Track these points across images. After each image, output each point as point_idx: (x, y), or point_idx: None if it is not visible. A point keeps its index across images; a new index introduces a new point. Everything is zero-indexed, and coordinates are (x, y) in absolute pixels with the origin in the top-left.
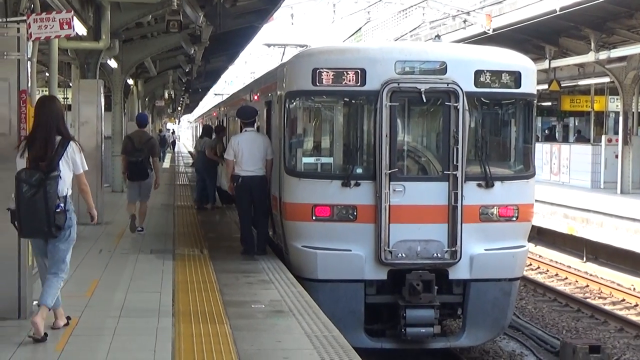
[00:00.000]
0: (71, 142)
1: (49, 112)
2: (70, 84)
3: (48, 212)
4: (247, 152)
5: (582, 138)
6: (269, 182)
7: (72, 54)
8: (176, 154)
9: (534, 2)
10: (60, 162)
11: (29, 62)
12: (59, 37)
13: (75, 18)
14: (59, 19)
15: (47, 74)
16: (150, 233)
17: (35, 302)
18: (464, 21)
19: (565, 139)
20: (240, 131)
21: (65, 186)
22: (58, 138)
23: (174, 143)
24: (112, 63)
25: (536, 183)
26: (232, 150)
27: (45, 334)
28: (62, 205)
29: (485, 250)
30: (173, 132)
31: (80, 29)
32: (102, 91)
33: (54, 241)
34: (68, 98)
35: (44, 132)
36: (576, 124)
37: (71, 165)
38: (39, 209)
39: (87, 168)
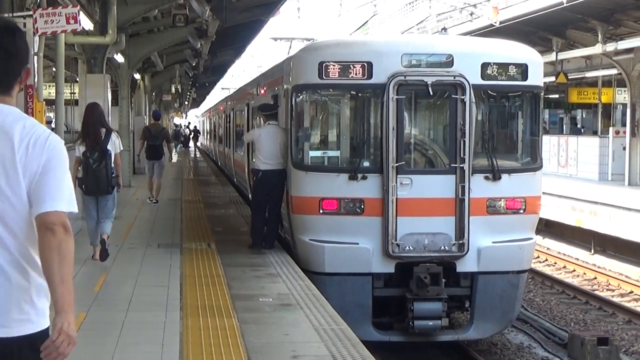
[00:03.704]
0: (112, 132)
1: (94, 114)
2: (77, 79)
3: (108, 177)
4: (267, 145)
5: (576, 130)
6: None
7: (78, 48)
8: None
9: None
10: (108, 145)
11: (35, 57)
12: (65, 32)
13: (81, 13)
14: (65, 14)
15: (54, 69)
16: (158, 227)
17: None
18: (471, 14)
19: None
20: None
21: (112, 161)
22: (103, 130)
23: (187, 139)
24: (119, 58)
25: (543, 175)
26: (252, 138)
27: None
28: (114, 172)
29: (493, 242)
30: (178, 126)
31: (86, 23)
32: (109, 86)
33: (106, 197)
34: (75, 93)
35: (92, 129)
36: (583, 116)
37: (113, 147)
38: (102, 176)
39: (122, 148)
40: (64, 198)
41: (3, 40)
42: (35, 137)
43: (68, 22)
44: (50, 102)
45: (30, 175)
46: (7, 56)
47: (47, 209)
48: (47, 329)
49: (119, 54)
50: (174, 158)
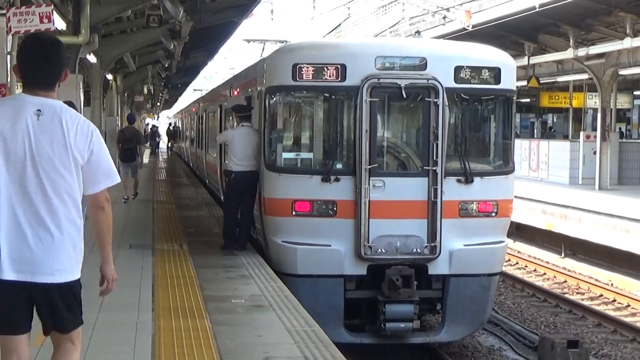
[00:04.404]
0: None
1: None
2: None
3: None
4: (240, 147)
5: (550, 133)
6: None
7: None
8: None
9: None
10: None
11: (8, 56)
12: (38, 31)
13: (54, 12)
14: (39, 13)
15: None
16: (130, 228)
17: None
18: (444, 17)
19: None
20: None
21: None
22: None
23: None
24: (91, 58)
25: (515, 179)
26: (225, 139)
27: None
28: None
29: (465, 245)
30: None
31: (59, 23)
32: (81, 86)
33: None
34: None
35: None
36: (554, 120)
37: None
38: None
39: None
40: (106, 177)
41: (49, 51)
42: (81, 124)
43: (42, 22)
44: None
45: (80, 154)
46: (52, 63)
47: (95, 191)
48: (79, 279)
49: (91, 54)
50: (146, 159)
